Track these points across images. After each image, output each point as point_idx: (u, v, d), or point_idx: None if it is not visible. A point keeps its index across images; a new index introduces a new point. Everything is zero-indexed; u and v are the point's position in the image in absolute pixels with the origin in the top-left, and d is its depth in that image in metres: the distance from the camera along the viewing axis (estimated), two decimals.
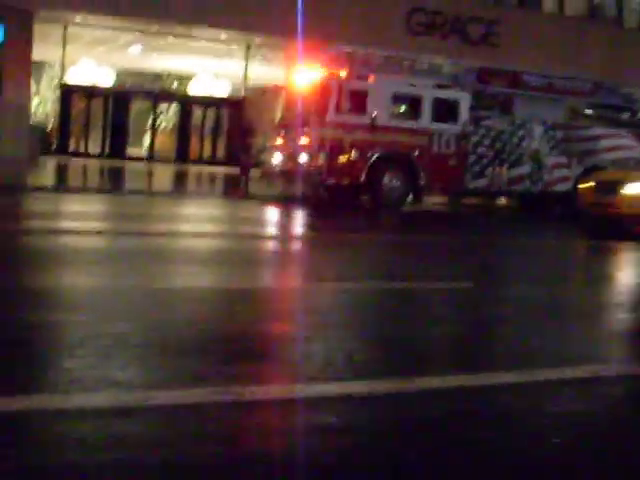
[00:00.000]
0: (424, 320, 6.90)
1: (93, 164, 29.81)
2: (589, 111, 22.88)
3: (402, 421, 4.03)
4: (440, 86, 20.09)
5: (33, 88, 27.92)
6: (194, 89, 34.10)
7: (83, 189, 19.63)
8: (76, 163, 29.23)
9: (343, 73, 18.84)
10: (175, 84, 35.73)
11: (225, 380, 4.38)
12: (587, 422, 4.29)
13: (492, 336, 6.62)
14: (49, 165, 27.00)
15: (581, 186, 16.88)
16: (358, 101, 18.77)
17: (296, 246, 12.77)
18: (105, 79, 32.71)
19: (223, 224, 15.08)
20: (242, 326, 5.92)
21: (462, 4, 27.89)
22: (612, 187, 15.45)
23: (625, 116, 23.25)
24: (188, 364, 4.74)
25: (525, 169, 20.82)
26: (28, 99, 25.26)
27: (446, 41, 27.25)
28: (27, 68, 24.20)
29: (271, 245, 12.65)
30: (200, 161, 33.20)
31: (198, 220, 15.04)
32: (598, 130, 21.89)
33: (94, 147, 33.41)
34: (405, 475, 3.30)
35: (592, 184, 16.13)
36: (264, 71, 29.39)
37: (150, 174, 27.62)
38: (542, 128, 21.02)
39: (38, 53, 25.13)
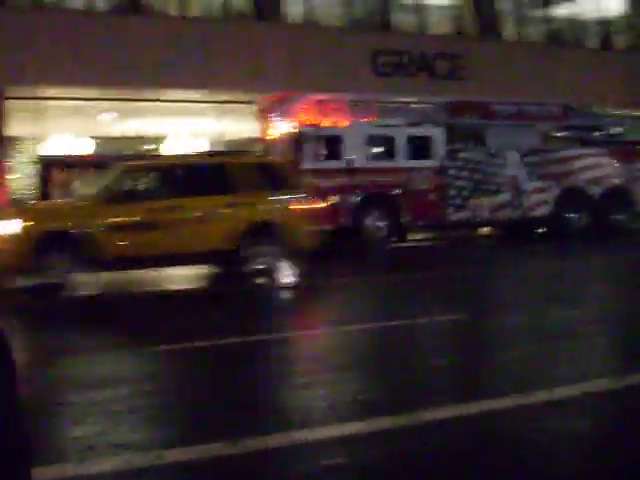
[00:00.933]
0: (422, 354, 7.05)
1: None
2: (561, 134, 23.18)
3: (411, 454, 4.17)
4: (413, 124, 20.36)
5: (10, 164, 28.08)
6: (171, 149, 34.32)
7: None
8: None
9: (315, 121, 19.09)
10: (152, 146, 35.95)
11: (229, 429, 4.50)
12: (579, 438, 4.44)
13: (489, 364, 6.76)
14: None
15: None
16: (333, 147, 19.00)
17: (292, 293, 12.88)
18: (82, 148, 32.91)
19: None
20: (244, 376, 6.04)
21: (426, 41, 28.31)
22: None
23: (596, 135, 23.59)
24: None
25: (505, 197, 21.05)
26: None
27: (414, 79, 27.62)
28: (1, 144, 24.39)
29: (271, 293, 12.77)
30: None
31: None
32: (571, 151, 22.19)
33: None
34: None
35: None
36: (238, 126, 29.67)
37: None
38: (517, 155, 21.30)
39: (12, 129, 25.31)
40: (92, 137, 32.75)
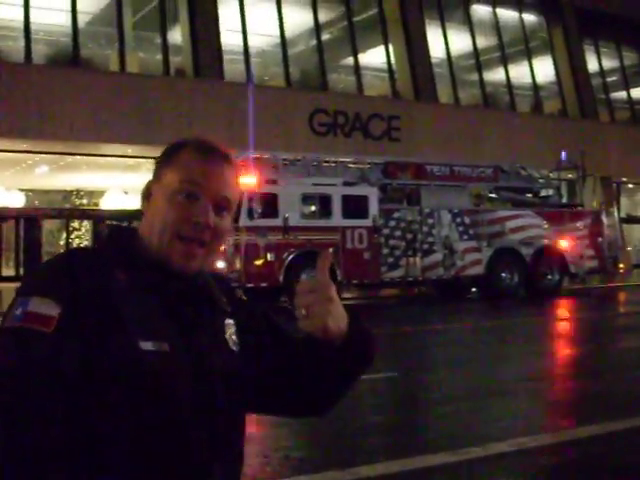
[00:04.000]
0: (355, 412, 7.05)
1: (8, 288, 29.33)
2: (493, 195, 23.59)
3: None
4: (348, 183, 20.55)
5: None
6: (105, 204, 34.12)
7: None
8: None
9: (252, 179, 19.15)
10: (85, 201, 35.68)
11: None
12: None
13: (420, 421, 6.80)
14: None
15: None
16: (269, 204, 19.04)
17: None
18: (14, 201, 32.55)
19: None
20: None
21: (362, 102, 28.73)
22: None
23: (528, 197, 24.07)
24: None
25: (437, 256, 21.25)
26: None
27: (349, 139, 27.96)
28: None
29: None
30: None
31: None
32: (503, 212, 22.56)
33: (7, 270, 32.98)
34: None
35: None
36: None
37: None
38: (450, 215, 21.58)
39: None
40: (24, 190, 32.38)
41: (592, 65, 36.06)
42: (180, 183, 1.74)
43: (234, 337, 1.81)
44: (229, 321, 1.82)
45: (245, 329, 1.86)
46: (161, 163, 1.84)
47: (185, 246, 1.71)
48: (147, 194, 1.83)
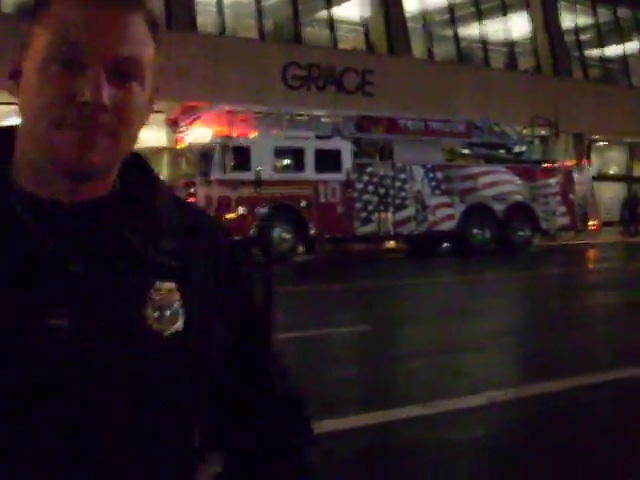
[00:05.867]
0: (326, 365, 7.08)
1: None
2: (466, 151, 23.59)
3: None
4: (321, 137, 20.46)
5: None
6: None
7: None
8: None
9: (224, 131, 19.02)
10: None
11: None
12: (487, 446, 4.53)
13: (392, 375, 6.84)
14: None
15: None
16: (241, 158, 18.93)
17: None
18: None
19: None
20: None
21: (335, 56, 28.53)
22: None
23: (501, 153, 24.10)
24: None
25: (409, 211, 21.28)
26: None
27: (323, 93, 27.78)
28: None
29: None
30: None
31: None
32: (476, 168, 22.60)
33: None
34: None
35: None
36: (146, 135, 29.35)
37: None
38: (422, 170, 21.58)
39: None
40: None
41: (567, 22, 35.97)
42: (51, 46, 1.12)
43: (168, 312, 1.18)
44: (166, 285, 1.19)
45: (224, 312, 1.29)
46: (27, 20, 1.17)
47: (75, 131, 1.11)
48: (14, 73, 1.18)
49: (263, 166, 19.01)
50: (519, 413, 5.50)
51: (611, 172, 37.82)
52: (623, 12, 38.17)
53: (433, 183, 21.64)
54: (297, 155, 19.85)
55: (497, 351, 7.95)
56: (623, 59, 38.06)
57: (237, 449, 1.36)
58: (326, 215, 19.86)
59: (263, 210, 18.98)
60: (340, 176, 20.24)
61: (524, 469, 4.25)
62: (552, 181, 23.55)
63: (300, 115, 21.23)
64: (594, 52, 37.53)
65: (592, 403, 5.71)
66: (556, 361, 7.36)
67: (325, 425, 4.81)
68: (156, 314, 1.17)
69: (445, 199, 21.72)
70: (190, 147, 19.66)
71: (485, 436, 4.81)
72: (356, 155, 20.72)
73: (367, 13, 30.25)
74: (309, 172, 19.82)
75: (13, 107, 1.20)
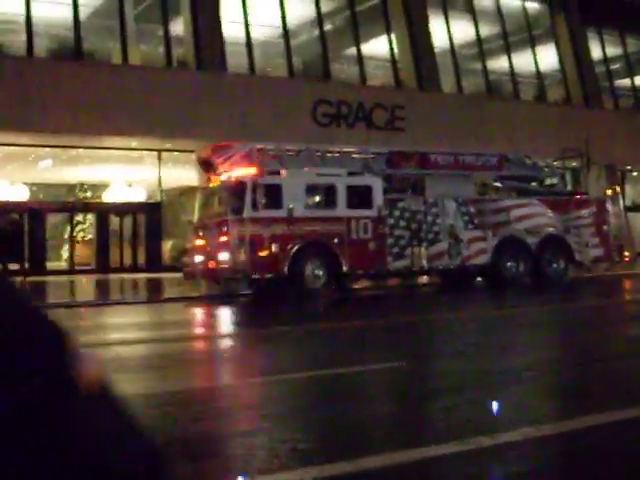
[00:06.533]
0: (362, 402, 7.03)
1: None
2: (498, 184, 23.55)
3: None
4: (352, 173, 20.51)
5: None
6: (109, 197, 34.09)
7: None
8: None
9: (256, 170, 19.14)
10: (89, 194, 35.65)
11: None
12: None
13: (428, 411, 6.77)
14: None
15: None
16: (273, 195, 19.03)
17: (233, 343, 12.80)
18: (18, 195, 32.52)
19: (156, 329, 15.01)
20: (182, 426, 5.96)
21: (365, 92, 28.68)
22: None
23: (533, 185, 24.02)
24: None
25: (443, 246, 21.24)
26: None
27: (353, 129, 27.92)
28: None
29: (217, 344, 12.67)
30: (121, 269, 32.98)
31: (131, 327, 14.96)
32: (508, 201, 22.54)
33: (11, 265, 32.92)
34: None
35: None
36: (177, 174, 29.62)
37: (72, 286, 27.36)
38: (454, 204, 21.56)
39: None
40: (28, 184, 32.33)
41: (595, 53, 35.96)
42: None
43: None
44: None
45: None
46: None
47: None
48: None
49: (295, 203, 19.07)
50: (559, 448, 5.41)
51: None
52: None
53: (465, 217, 21.59)
54: (328, 192, 19.91)
55: (535, 385, 7.85)
56: None
57: None
58: (358, 251, 19.86)
59: (294, 247, 19.01)
60: (372, 212, 20.25)
61: None
62: (585, 212, 23.40)
63: (330, 152, 21.31)
64: (623, 82, 37.44)
65: (634, 439, 5.61)
66: (596, 395, 7.26)
67: (362, 463, 4.77)
68: None
69: (478, 233, 21.65)
70: (222, 186, 19.78)
71: (526, 472, 4.73)
72: (387, 191, 20.74)
73: (395, 49, 30.42)
74: (341, 209, 19.86)
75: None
